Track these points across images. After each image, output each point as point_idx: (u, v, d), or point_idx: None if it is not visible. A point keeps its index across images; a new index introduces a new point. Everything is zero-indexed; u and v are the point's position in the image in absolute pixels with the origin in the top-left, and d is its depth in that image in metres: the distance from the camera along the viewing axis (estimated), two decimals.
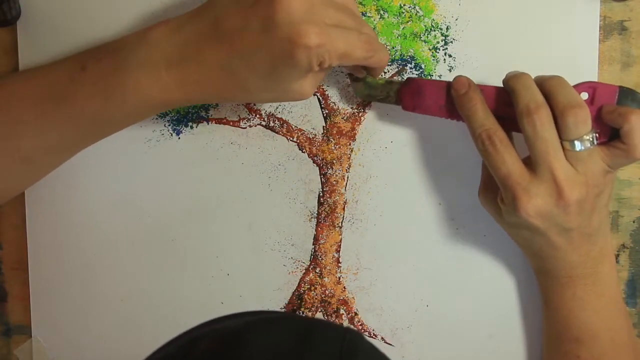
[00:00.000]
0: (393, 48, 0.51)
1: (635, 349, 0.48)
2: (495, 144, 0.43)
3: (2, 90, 0.43)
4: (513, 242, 0.49)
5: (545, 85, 0.43)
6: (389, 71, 0.51)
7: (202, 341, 0.31)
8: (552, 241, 0.44)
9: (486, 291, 0.53)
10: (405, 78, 0.51)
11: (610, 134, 0.43)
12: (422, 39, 0.51)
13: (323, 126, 0.52)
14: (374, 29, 0.51)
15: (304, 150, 0.52)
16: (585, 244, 0.45)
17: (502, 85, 0.46)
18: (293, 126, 0.52)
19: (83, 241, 0.53)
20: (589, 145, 0.42)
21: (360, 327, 0.53)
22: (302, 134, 0.52)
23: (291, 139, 0.52)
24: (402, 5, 0.51)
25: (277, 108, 0.52)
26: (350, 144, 0.52)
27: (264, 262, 0.53)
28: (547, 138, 0.41)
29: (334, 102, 0.52)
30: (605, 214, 0.46)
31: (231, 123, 0.52)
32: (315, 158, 0.52)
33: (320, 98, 0.52)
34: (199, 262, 0.53)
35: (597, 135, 0.42)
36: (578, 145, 0.42)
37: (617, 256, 0.53)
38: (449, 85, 0.46)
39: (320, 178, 0.52)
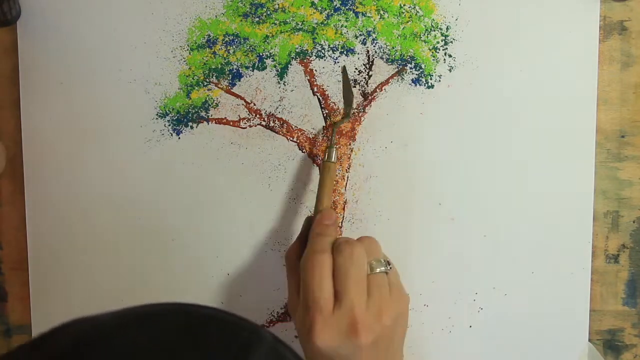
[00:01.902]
0: (393, 48, 0.51)
1: None
2: (322, 266, 0.42)
3: None
4: (513, 242, 0.49)
5: None
6: (388, 71, 0.51)
7: (58, 338, 0.28)
8: None
9: (486, 291, 0.53)
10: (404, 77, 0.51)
11: None
12: (422, 39, 0.51)
13: (323, 126, 0.52)
14: (374, 29, 0.51)
15: (304, 150, 0.52)
16: None
17: None
18: (293, 126, 0.52)
19: (83, 241, 0.53)
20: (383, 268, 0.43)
21: None
22: (302, 134, 0.52)
23: (291, 139, 0.52)
24: (402, 5, 0.51)
25: (277, 108, 0.52)
26: (350, 144, 0.52)
27: (264, 262, 0.53)
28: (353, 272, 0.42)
29: (334, 102, 0.52)
30: (401, 348, 0.45)
31: (231, 123, 0.52)
32: (315, 158, 0.52)
33: (320, 98, 0.52)
34: (199, 262, 0.53)
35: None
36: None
37: (617, 256, 0.53)
38: None
39: None
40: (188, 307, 0.31)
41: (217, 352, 0.27)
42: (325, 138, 0.52)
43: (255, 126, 0.52)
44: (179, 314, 0.30)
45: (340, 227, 0.53)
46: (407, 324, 0.45)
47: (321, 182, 0.48)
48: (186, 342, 0.28)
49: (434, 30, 0.51)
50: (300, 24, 0.51)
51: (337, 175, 0.52)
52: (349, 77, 0.50)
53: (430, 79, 0.51)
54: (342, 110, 0.52)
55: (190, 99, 0.52)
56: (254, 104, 0.52)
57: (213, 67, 0.52)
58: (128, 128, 0.52)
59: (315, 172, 0.52)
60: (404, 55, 0.51)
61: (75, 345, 0.27)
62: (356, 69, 0.51)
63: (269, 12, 0.51)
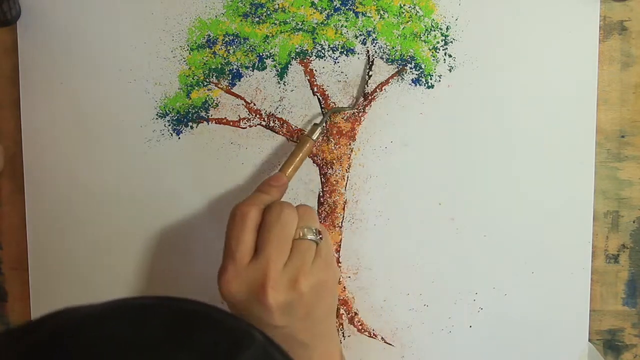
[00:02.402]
0: (393, 48, 0.51)
1: None
2: (247, 218, 0.42)
3: None
4: (513, 242, 0.49)
5: None
6: (388, 71, 0.51)
7: (41, 327, 0.28)
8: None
9: (486, 291, 0.53)
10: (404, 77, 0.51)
11: None
12: (422, 39, 0.51)
13: (323, 126, 0.52)
14: (374, 29, 0.51)
15: None
16: (295, 350, 0.41)
17: None
18: (293, 126, 0.52)
19: (83, 241, 0.53)
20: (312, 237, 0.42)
21: (360, 327, 0.53)
22: (302, 134, 0.52)
23: (291, 139, 0.52)
24: (402, 5, 0.51)
25: (277, 108, 0.52)
26: (350, 144, 0.52)
27: None
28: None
29: (334, 102, 0.52)
30: (327, 326, 0.43)
31: (231, 123, 0.52)
32: (315, 158, 0.52)
33: (320, 98, 0.52)
34: (199, 262, 0.53)
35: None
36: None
37: (617, 256, 0.53)
38: None
39: (320, 178, 0.52)
40: (180, 303, 0.30)
41: (204, 351, 0.26)
42: (325, 138, 0.52)
43: (255, 126, 0.52)
44: (169, 308, 0.29)
45: (340, 227, 0.53)
46: (333, 299, 0.43)
47: (292, 153, 0.48)
48: (172, 338, 0.27)
49: (434, 30, 0.51)
50: (300, 24, 0.51)
51: (337, 175, 0.52)
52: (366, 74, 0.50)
53: (430, 79, 0.51)
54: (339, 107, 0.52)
55: (190, 99, 0.52)
56: (254, 104, 0.52)
57: (213, 67, 0.52)
58: (128, 128, 0.52)
59: (316, 172, 0.52)
60: (404, 55, 0.51)
61: (53, 334, 0.26)
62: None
63: (269, 12, 0.51)
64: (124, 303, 0.29)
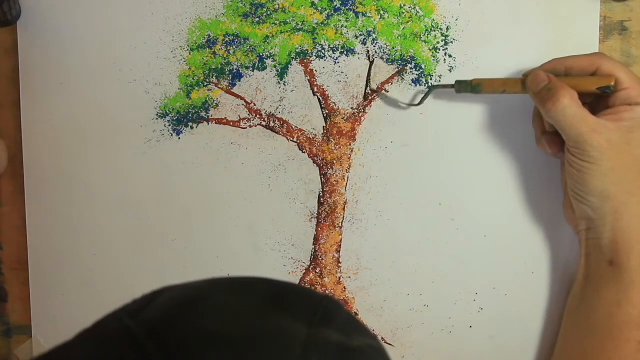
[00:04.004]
0: (393, 48, 0.51)
1: None
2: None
3: None
4: (513, 242, 0.49)
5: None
6: (388, 71, 0.51)
7: (159, 298, 0.30)
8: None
9: (486, 291, 0.53)
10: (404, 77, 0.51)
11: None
12: (422, 39, 0.51)
13: (323, 126, 0.52)
14: (374, 29, 0.51)
15: (304, 150, 0.52)
16: None
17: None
18: (293, 126, 0.52)
19: (83, 241, 0.53)
20: None
21: None
22: (302, 134, 0.52)
23: (291, 139, 0.52)
24: (402, 5, 0.51)
25: (277, 108, 0.52)
26: (350, 144, 0.52)
27: (264, 262, 0.53)
28: None
29: (334, 102, 0.52)
30: None
31: (231, 123, 0.52)
32: (315, 158, 0.52)
33: (321, 98, 0.52)
34: (199, 262, 0.53)
35: None
36: None
37: None
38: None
39: (320, 178, 0.52)
40: (270, 279, 0.32)
41: (304, 319, 0.29)
42: (325, 138, 0.52)
43: (255, 126, 0.52)
44: (263, 282, 0.32)
45: (340, 227, 0.53)
46: None
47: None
48: (273, 307, 0.29)
49: (434, 30, 0.51)
50: (300, 24, 0.51)
51: (337, 175, 0.52)
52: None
53: (430, 79, 0.51)
54: (342, 110, 0.52)
55: (190, 99, 0.52)
56: (254, 104, 0.52)
57: (213, 67, 0.52)
58: (128, 128, 0.52)
59: (316, 172, 0.52)
60: (404, 55, 0.51)
61: (177, 305, 0.28)
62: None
63: (269, 12, 0.51)
64: (221, 280, 0.32)
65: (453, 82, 0.49)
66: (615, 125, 0.44)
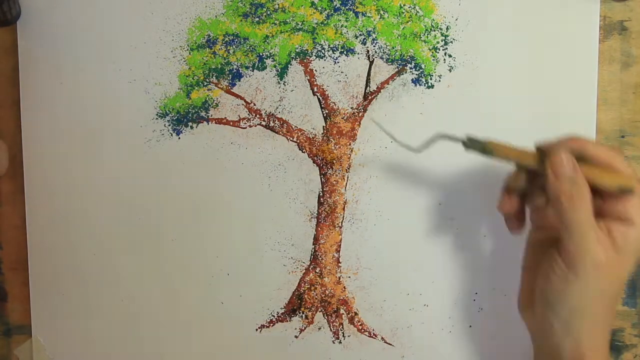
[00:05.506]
0: (393, 48, 0.51)
1: None
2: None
3: None
4: (512, 242, 0.49)
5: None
6: (388, 71, 0.51)
7: None
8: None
9: (486, 291, 0.53)
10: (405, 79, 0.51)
11: None
12: (422, 39, 0.51)
13: (323, 126, 0.52)
14: (374, 29, 0.51)
15: (304, 150, 0.52)
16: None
17: None
18: (293, 126, 0.52)
19: (83, 241, 0.53)
20: None
21: (360, 327, 0.53)
22: (302, 134, 0.52)
23: (291, 139, 0.52)
24: (402, 5, 0.51)
25: (277, 108, 0.52)
26: (350, 144, 0.52)
27: (264, 262, 0.53)
28: None
29: (334, 102, 0.52)
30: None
31: (231, 123, 0.52)
32: (315, 158, 0.52)
33: (320, 98, 0.52)
34: (199, 262, 0.53)
35: None
36: None
37: None
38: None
39: (320, 178, 0.52)
40: None
41: None
42: (325, 138, 0.52)
43: (255, 126, 0.52)
44: None
45: (340, 227, 0.53)
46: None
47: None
48: None
49: (434, 30, 0.51)
50: (300, 24, 0.51)
51: (337, 175, 0.52)
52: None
53: (430, 79, 0.51)
54: (342, 110, 0.52)
55: (190, 99, 0.52)
56: (254, 104, 0.52)
57: (213, 67, 0.52)
58: (128, 128, 0.52)
59: (316, 172, 0.52)
60: (404, 55, 0.51)
61: None
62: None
63: (269, 12, 0.51)
64: None
65: (464, 138, 0.45)
66: (611, 243, 0.40)
